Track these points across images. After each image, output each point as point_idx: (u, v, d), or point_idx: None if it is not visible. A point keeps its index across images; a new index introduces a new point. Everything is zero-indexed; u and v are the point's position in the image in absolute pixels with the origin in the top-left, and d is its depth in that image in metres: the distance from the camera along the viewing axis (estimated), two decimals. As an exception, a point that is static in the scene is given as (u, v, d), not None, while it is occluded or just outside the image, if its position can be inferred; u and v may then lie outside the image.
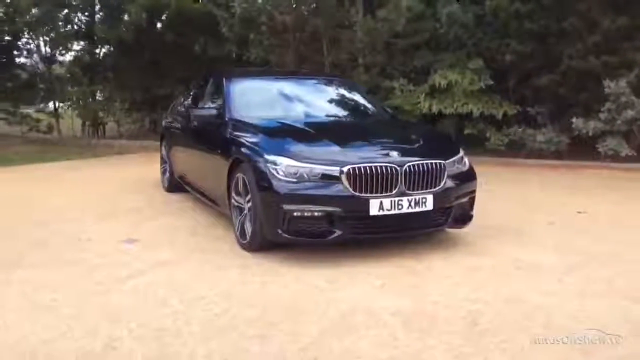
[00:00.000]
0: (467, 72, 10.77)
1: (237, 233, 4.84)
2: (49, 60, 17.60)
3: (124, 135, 16.52)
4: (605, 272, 4.23)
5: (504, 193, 7.52)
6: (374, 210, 4.29)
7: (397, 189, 4.35)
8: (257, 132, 4.91)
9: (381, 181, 4.30)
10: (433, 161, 4.51)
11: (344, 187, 4.25)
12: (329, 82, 6.56)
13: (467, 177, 4.89)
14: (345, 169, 4.25)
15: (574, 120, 9.75)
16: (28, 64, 18.46)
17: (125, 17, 13.73)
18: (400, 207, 4.35)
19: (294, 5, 11.70)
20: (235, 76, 6.11)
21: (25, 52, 18.20)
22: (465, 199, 4.85)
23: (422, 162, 4.45)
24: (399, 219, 4.41)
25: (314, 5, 11.81)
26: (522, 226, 5.62)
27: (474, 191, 4.95)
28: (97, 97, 17.09)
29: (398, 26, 11.09)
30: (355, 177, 4.25)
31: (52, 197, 7.34)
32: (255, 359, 2.90)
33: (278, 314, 3.46)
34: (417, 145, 4.83)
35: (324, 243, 4.46)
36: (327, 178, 4.28)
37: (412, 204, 4.40)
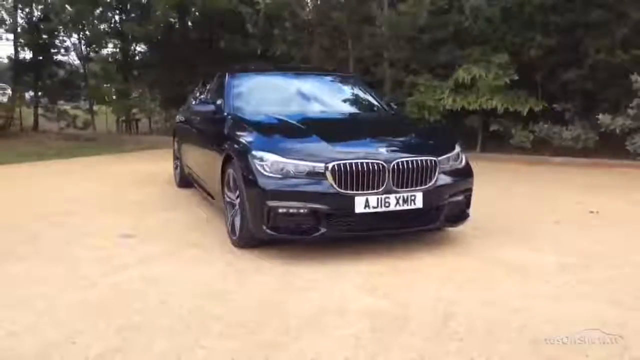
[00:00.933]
0: (491, 67, 10.52)
1: (229, 229, 4.84)
2: (85, 58, 18.08)
3: (155, 132, 16.80)
4: (597, 274, 4.06)
5: (519, 191, 7.33)
6: (359, 207, 4.21)
7: (384, 186, 4.26)
8: (249, 128, 4.89)
9: (367, 178, 4.22)
10: (423, 158, 4.40)
11: (329, 184, 4.19)
12: (333, 78, 6.49)
13: (463, 174, 4.75)
14: (330, 166, 4.19)
15: (600, 116, 9.39)
16: (66, 61, 19.03)
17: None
18: (387, 204, 4.26)
19: (317, 1, 11.68)
20: (238, 73, 6.09)
21: (63, 50, 18.78)
22: (460, 197, 4.71)
23: (411, 159, 4.34)
24: (386, 217, 4.31)
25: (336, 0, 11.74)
26: (526, 226, 5.45)
27: (470, 189, 4.81)
28: (130, 94, 17.42)
29: (421, 20, 10.92)
30: (340, 174, 4.18)
31: (67, 191, 7.51)
32: (207, 356, 2.87)
33: (248, 311, 3.43)
34: (409, 141, 4.73)
35: (309, 240, 4.42)
36: (313, 175, 4.22)
37: (400, 201, 4.30)
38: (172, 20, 13.57)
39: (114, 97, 17.04)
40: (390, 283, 3.92)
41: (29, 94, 19.46)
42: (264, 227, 4.29)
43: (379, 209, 4.25)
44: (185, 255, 4.57)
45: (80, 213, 6.11)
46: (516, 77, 10.46)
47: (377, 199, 4.24)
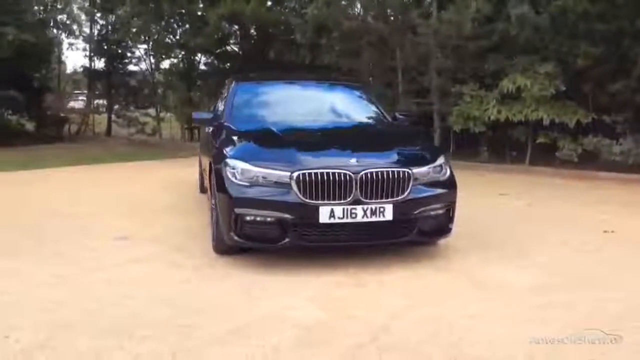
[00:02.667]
0: (537, 77, 10.09)
1: (212, 235, 4.92)
2: (154, 68, 18.96)
3: (214, 139, 17.29)
4: (572, 299, 3.80)
5: (542, 208, 6.97)
6: (324, 218, 4.16)
7: (351, 197, 4.19)
8: (234, 136, 4.96)
9: (333, 188, 4.17)
10: (395, 169, 4.30)
11: (294, 193, 4.18)
12: (339, 88, 6.46)
13: (444, 186, 4.60)
14: (295, 175, 4.17)
15: (648, 130, 8.81)
16: (137, 70, 20.03)
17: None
18: (354, 215, 4.19)
19: (360, 12, 11.66)
20: (244, 81, 6.20)
21: (134, 60, 19.79)
22: (440, 211, 4.56)
23: (381, 169, 4.25)
24: (353, 228, 4.25)
25: (380, 10, 11.67)
26: (528, 244, 5.16)
27: (452, 202, 4.63)
28: (192, 102, 18.05)
29: (465, 29, 10.65)
30: (305, 183, 4.16)
31: (99, 193, 7.93)
32: (123, 357, 2.94)
33: (187, 316, 3.47)
34: (388, 152, 4.60)
35: (275, 249, 4.42)
36: (280, 183, 4.22)
37: (368, 213, 4.21)
38: (224, 31, 13.96)
39: (178, 105, 17.72)
40: (346, 296, 3.85)
41: (102, 101, 20.59)
42: (232, 234, 4.34)
43: (345, 220, 4.19)
44: (164, 260, 4.68)
45: (96, 214, 6.42)
46: (563, 88, 9.98)
47: (343, 209, 4.18)
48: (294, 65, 13.70)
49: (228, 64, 15.54)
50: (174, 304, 3.67)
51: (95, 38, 18.95)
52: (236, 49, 15.35)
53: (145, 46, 18.11)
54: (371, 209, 4.22)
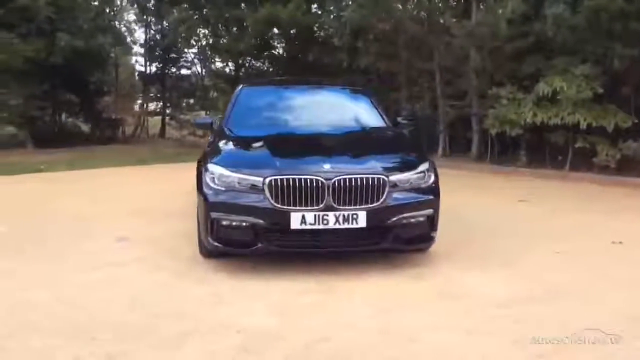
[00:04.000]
0: (574, 79, 9.69)
1: (198, 239, 5.00)
2: (204, 71, 19.49)
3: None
4: (543, 312, 3.66)
5: (558, 217, 6.70)
6: (295, 224, 4.17)
7: (323, 203, 4.19)
8: (223, 140, 5.05)
9: (305, 194, 4.18)
10: (370, 176, 4.26)
11: (266, 199, 4.22)
12: (340, 93, 6.45)
13: (426, 194, 4.51)
14: (267, 180, 4.21)
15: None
16: (189, 74, 20.64)
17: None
18: (325, 222, 4.19)
19: (395, 13, 11.55)
20: (249, 86, 6.30)
21: (187, 64, 20.40)
22: (421, 219, 4.48)
23: (355, 176, 4.23)
24: (325, 234, 4.24)
25: (414, 12, 11.54)
26: (519, 254, 4.99)
27: (434, 210, 4.53)
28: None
29: (500, 30, 10.37)
30: (277, 189, 4.18)
31: (119, 193, 8.24)
32: (59, 356, 3.05)
33: (144, 319, 3.55)
34: (367, 158, 4.57)
35: (249, 254, 4.47)
36: (254, 189, 4.26)
37: (340, 219, 4.20)
38: (265, 35, 14.18)
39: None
40: (309, 303, 3.85)
41: (156, 104, 21.32)
42: (210, 239, 4.42)
43: (316, 226, 4.19)
44: (150, 263, 4.79)
45: (109, 214, 6.67)
46: (601, 90, 9.55)
47: (315, 215, 4.18)
48: (332, 68, 13.75)
49: (272, 67, 15.73)
50: (139, 307, 3.77)
51: (149, 43, 19.64)
52: (278, 53, 15.52)
53: (195, 50, 18.63)
54: (343, 215, 4.20)
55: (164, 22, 18.50)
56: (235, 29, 15.18)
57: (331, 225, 4.19)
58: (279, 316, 3.62)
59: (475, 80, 11.77)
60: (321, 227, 4.19)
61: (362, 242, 4.37)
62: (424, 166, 4.60)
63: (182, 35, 16.09)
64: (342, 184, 4.20)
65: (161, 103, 20.92)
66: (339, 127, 5.41)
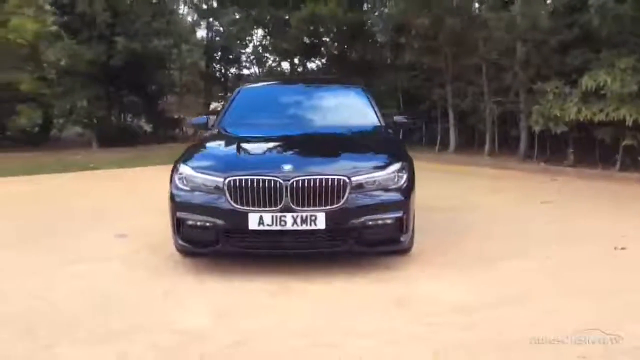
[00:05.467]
0: (618, 73, 9.07)
1: None
2: (260, 71, 19.81)
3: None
4: (496, 320, 3.47)
5: (574, 220, 6.30)
6: (253, 224, 4.16)
7: (282, 204, 4.15)
8: (203, 141, 5.13)
9: (263, 195, 4.16)
10: (330, 177, 4.18)
11: (226, 199, 4.23)
12: (336, 90, 6.38)
13: (395, 195, 4.37)
14: (226, 181, 4.22)
15: None
16: (248, 74, 21.05)
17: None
18: (283, 223, 4.15)
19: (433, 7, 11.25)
20: (246, 87, 6.38)
21: (246, 65, 20.83)
22: (388, 221, 4.34)
23: (313, 177, 4.16)
24: (285, 236, 4.20)
25: (453, 4, 11.19)
26: (502, 258, 4.76)
27: (404, 212, 4.37)
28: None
29: (541, 22, 9.87)
30: (235, 189, 4.19)
31: (141, 190, 8.55)
32: None
33: (89, 314, 3.65)
34: (332, 158, 4.47)
35: (213, 254, 4.50)
36: (216, 189, 4.29)
37: (298, 221, 4.14)
38: (309, 34, 14.23)
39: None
40: (260, 304, 3.83)
41: (218, 102, 21.86)
42: (177, 238, 4.49)
43: (274, 227, 4.16)
44: (133, 258, 4.91)
45: (119, 209, 6.93)
46: (646, 84, 8.88)
47: (272, 217, 4.15)
48: (375, 65, 13.60)
49: (322, 66, 15.77)
50: (90, 301, 3.88)
51: (210, 44, 20.17)
52: (327, 51, 15.50)
53: (250, 50, 18.98)
54: (302, 217, 4.14)
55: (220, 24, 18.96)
56: (282, 28, 15.32)
57: (289, 226, 4.15)
58: (218, 317, 3.61)
59: (522, 75, 11.27)
60: (279, 228, 4.16)
61: (322, 244, 4.30)
62: (394, 167, 4.46)
63: (235, 35, 16.38)
64: (300, 184, 4.15)
65: (223, 102, 21.41)
66: (323, 128, 5.34)
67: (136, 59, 15.68)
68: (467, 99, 12.48)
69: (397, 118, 5.97)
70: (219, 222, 4.26)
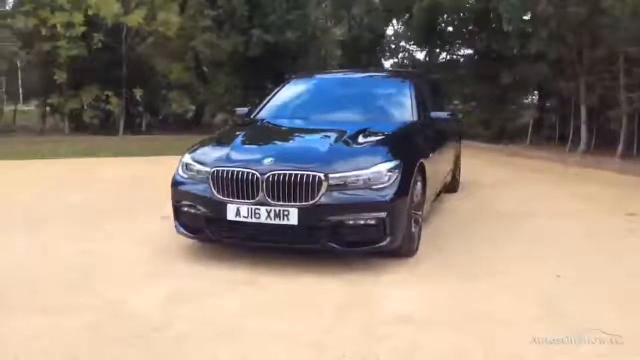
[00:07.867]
0: None
1: None
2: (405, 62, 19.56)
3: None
4: (431, 336, 3.21)
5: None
6: (231, 215, 4.23)
7: (258, 197, 4.17)
8: (225, 131, 5.29)
9: (241, 187, 4.21)
10: (304, 172, 4.10)
11: (210, 189, 4.34)
12: (382, 82, 6.19)
13: (378, 195, 4.15)
14: (212, 171, 4.34)
15: None
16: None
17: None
18: (257, 216, 4.16)
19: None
20: (295, 78, 6.41)
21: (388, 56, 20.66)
22: (370, 221, 4.15)
23: (288, 172, 4.12)
24: (257, 228, 4.21)
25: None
26: (498, 271, 4.34)
27: (388, 213, 4.14)
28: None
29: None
30: (218, 180, 4.29)
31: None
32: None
33: (69, 293, 3.87)
34: (319, 155, 4.37)
35: (200, 240, 4.65)
36: (206, 179, 4.42)
37: (272, 215, 4.13)
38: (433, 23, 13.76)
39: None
40: (215, 292, 3.88)
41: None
42: (176, 223, 4.71)
43: (249, 220, 4.19)
44: (152, 239, 5.12)
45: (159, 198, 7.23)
46: None
47: (248, 209, 4.18)
48: (501, 55, 12.78)
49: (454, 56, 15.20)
50: (67, 277, 4.15)
51: (349, 34, 20.31)
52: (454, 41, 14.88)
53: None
54: (275, 211, 4.13)
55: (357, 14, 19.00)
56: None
57: (263, 219, 4.16)
58: (174, 305, 3.67)
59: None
60: (254, 220, 4.18)
61: (295, 240, 4.24)
62: (383, 166, 4.24)
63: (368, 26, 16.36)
64: (275, 179, 4.13)
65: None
66: (344, 123, 5.21)
67: (273, 49, 16.33)
68: (595, 94, 11.25)
69: (435, 114, 5.61)
70: (204, 210, 4.40)
